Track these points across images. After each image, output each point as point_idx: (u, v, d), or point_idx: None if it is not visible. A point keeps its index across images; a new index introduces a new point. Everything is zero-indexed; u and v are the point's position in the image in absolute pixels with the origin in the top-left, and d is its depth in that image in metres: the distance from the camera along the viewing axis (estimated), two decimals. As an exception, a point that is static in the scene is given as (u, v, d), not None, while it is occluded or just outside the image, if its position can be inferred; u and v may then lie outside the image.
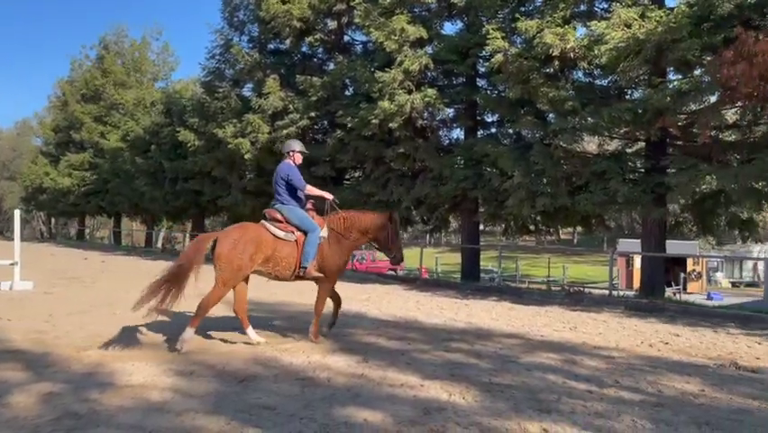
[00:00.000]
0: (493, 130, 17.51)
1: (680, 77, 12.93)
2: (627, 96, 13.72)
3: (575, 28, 13.38)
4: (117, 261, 23.38)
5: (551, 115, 14.11)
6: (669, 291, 20.48)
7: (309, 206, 7.33)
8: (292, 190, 7.12)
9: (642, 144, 14.07)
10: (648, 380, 5.75)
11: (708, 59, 11.52)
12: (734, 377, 6.05)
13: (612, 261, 14.87)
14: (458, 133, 18.92)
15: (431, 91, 15.67)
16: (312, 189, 7.27)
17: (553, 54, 12.72)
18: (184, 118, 25.55)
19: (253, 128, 20.47)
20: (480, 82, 17.35)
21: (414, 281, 16.91)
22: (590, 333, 8.57)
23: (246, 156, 20.96)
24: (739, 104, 11.95)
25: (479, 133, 17.51)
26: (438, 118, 17.36)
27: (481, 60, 16.27)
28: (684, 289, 26.57)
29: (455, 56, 15.78)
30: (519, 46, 13.95)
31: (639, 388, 5.45)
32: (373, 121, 15.76)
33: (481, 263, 20.32)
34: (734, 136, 13.48)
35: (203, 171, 25.00)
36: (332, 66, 20.61)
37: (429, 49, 16.74)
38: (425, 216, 18.26)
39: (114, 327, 7.64)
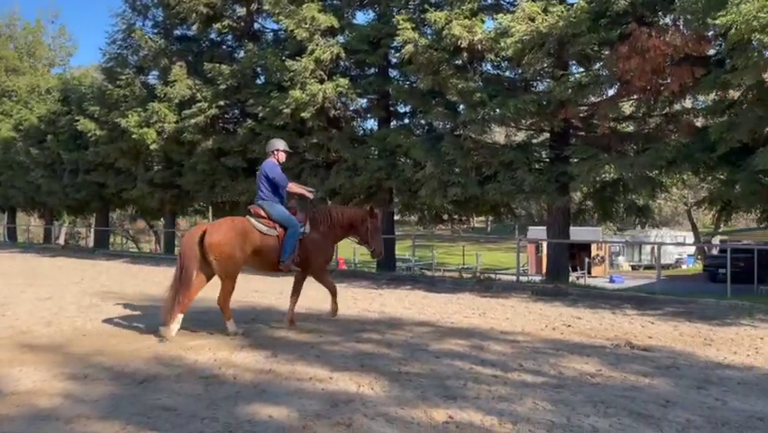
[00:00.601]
0: (406, 120, 17.65)
1: (581, 70, 13.50)
2: (533, 88, 14.18)
3: (483, 20, 13.68)
4: (12, 258, 21.85)
5: (461, 106, 14.36)
6: (574, 276, 21.47)
7: (293, 203, 7.68)
8: (275, 188, 7.41)
9: (547, 135, 14.61)
10: (550, 362, 5.97)
11: (606, 53, 12.09)
12: (628, 356, 6.38)
13: (519, 248, 15.41)
14: (372, 124, 18.98)
15: (343, 81, 15.58)
16: (294, 187, 7.63)
17: (462, 46, 12.94)
18: (83, 106, 24.07)
19: (159, 117, 19.64)
20: (393, 73, 17.42)
21: (329, 273, 16.80)
22: (498, 318, 8.82)
23: (152, 146, 20.11)
24: (635, 96, 12.64)
25: (392, 123, 17.59)
26: (351, 108, 17.30)
27: (393, 51, 16.32)
28: (589, 273, 27.95)
29: (367, 46, 15.74)
30: (429, 37, 14.10)
31: (541, 370, 5.64)
32: (285, 110, 15.49)
33: (398, 253, 20.52)
34: (630, 127, 14.26)
35: (106, 162, 23.74)
36: (242, 54, 20.04)
37: (341, 38, 16.62)
38: (340, 207, 18.18)
39: (2, 330, 7.10)
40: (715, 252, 28.30)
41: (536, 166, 13.97)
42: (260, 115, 16.92)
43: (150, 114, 19.82)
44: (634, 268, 36.45)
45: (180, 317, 6.79)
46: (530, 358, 6.14)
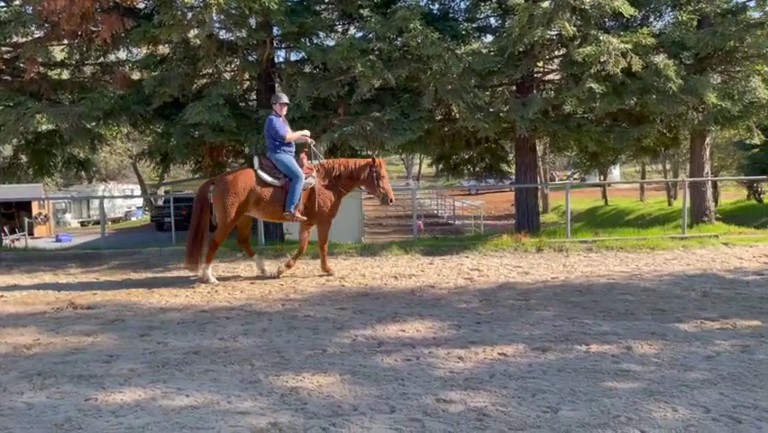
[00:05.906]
0: None
1: (1, 4, 11.72)
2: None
3: None
4: None
5: None
6: (11, 239, 19.33)
7: (303, 154, 7.80)
8: (279, 140, 7.54)
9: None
10: (-25, 343, 5.10)
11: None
12: (71, 318, 6.03)
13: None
14: None
15: None
16: (292, 136, 7.70)
17: None
18: None
19: None
20: None
21: None
22: None
23: None
24: (66, 42, 11.79)
25: None
26: None
27: None
28: (31, 234, 25.50)
29: None
30: None
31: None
32: None
33: None
34: (65, 74, 13.31)
35: None
36: None
37: None
38: None
39: None
40: (161, 202, 29.85)
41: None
42: None
43: None
44: (83, 225, 35.26)
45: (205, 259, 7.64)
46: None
